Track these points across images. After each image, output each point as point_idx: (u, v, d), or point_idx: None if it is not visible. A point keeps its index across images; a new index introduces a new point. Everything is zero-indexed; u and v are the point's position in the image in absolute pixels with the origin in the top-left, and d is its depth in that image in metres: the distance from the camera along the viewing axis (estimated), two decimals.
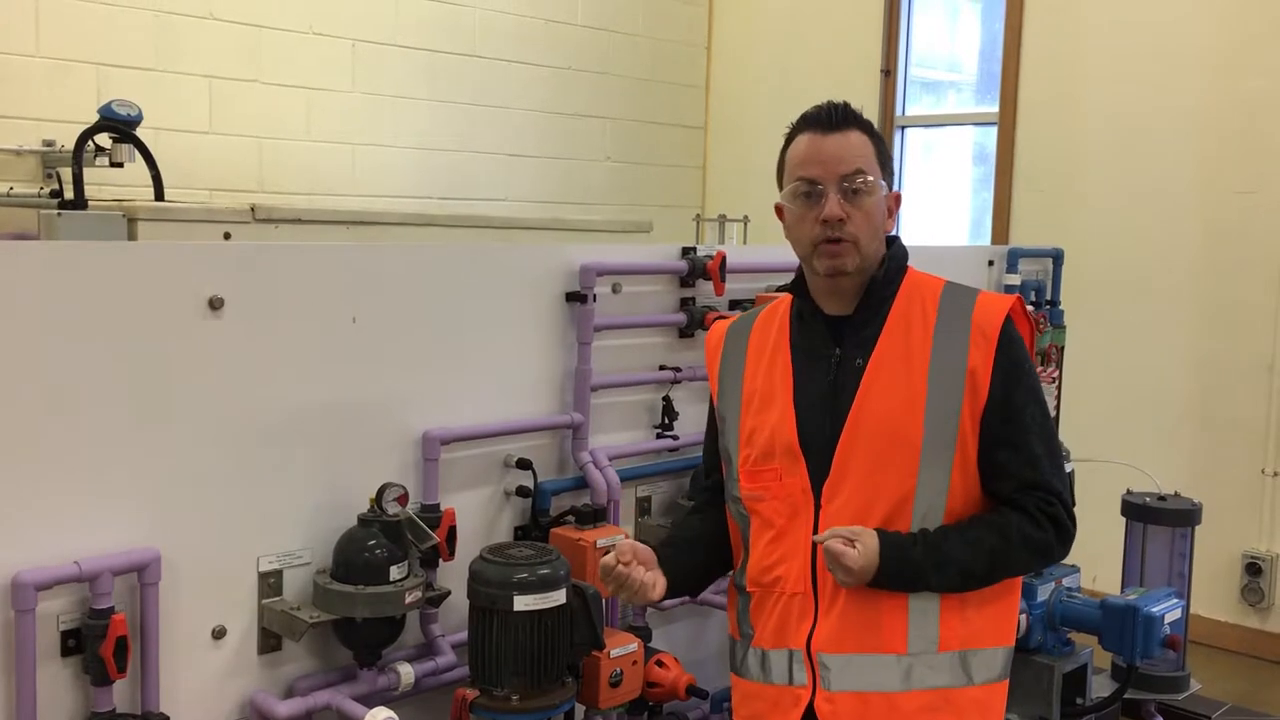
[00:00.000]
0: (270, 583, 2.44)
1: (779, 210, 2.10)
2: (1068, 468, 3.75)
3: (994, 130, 5.91)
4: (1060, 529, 2.01)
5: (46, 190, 4.16)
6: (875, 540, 1.93)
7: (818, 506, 2.03)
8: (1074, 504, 2.05)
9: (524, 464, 2.85)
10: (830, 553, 1.91)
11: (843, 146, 2.03)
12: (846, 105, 2.07)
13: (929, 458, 1.98)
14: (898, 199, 2.11)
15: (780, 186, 2.10)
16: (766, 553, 2.09)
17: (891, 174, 2.10)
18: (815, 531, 2.01)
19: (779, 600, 2.07)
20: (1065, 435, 4.11)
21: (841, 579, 1.94)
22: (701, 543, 2.23)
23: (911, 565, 1.94)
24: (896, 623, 1.99)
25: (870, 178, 2.02)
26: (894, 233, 2.12)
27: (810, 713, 2.03)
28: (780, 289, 3.05)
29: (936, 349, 2.01)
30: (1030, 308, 4.14)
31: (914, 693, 1.99)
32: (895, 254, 2.10)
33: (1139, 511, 3.95)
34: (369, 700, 2.43)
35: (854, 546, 1.91)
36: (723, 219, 5.56)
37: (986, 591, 2.03)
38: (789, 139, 2.09)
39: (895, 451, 1.99)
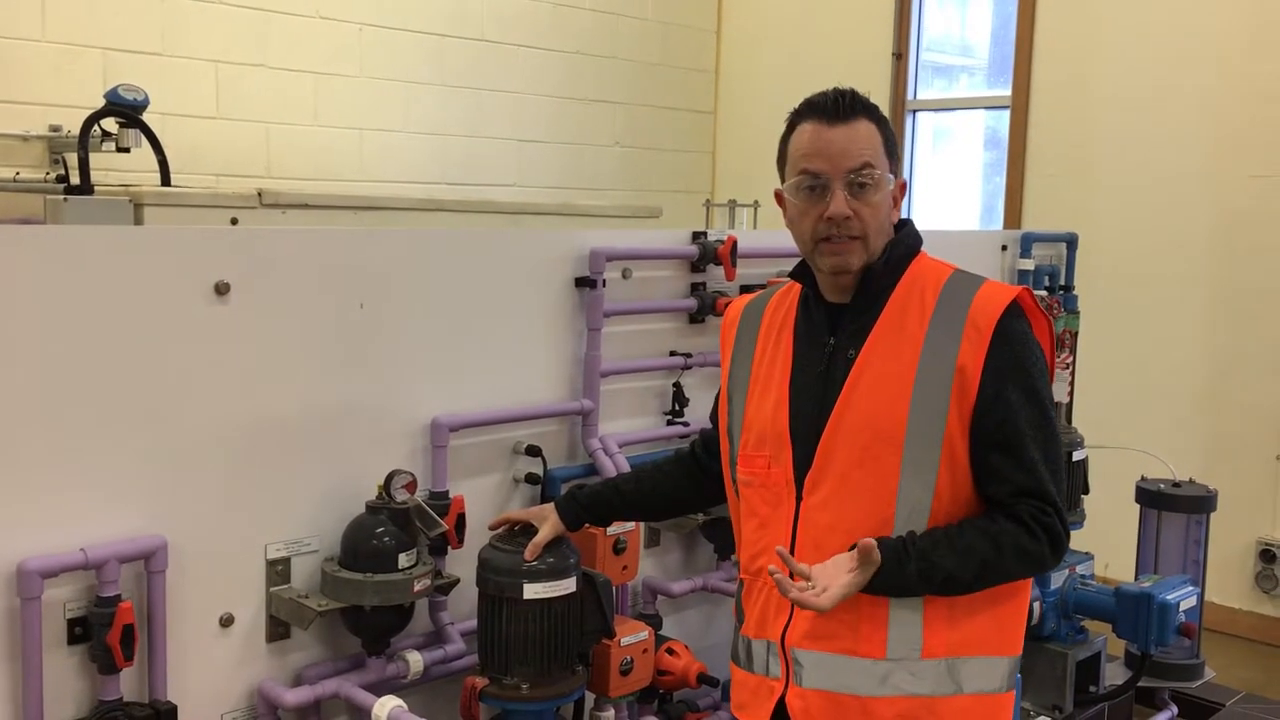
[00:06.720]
0: (278, 570, 2.42)
1: (779, 198, 2.03)
2: (1080, 454, 3.74)
3: (1006, 114, 5.87)
4: (1054, 540, 1.91)
5: (53, 175, 4.15)
6: (844, 567, 1.85)
7: (799, 499, 1.98)
8: (1071, 507, 1.97)
9: (533, 451, 2.83)
10: (797, 603, 1.85)
11: (849, 139, 1.94)
12: (854, 93, 1.98)
13: (913, 457, 1.90)
14: (903, 188, 2.02)
15: (781, 174, 2.03)
16: (753, 540, 2.07)
17: (899, 162, 2.01)
18: (795, 523, 1.98)
19: (762, 590, 2.04)
20: (1079, 421, 4.10)
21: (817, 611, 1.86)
22: (652, 479, 2.41)
23: (903, 579, 1.87)
24: (876, 627, 1.93)
25: (879, 171, 1.94)
26: (905, 216, 2.06)
27: (782, 706, 1.99)
28: (784, 275, 3.02)
29: (928, 343, 1.92)
30: (1044, 293, 4.10)
31: (891, 698, 1.93)
32: (901, 240, 2.01)
33: (1153, 498, 3.91)
34: (378, 689, 2.42)
35: (815, 588, 1.83)
36: (733, 204, 5.53)
37: (980, 597, 1.94)
38: (791, 125, 2.01)
39: (878, 448, 1.91)
